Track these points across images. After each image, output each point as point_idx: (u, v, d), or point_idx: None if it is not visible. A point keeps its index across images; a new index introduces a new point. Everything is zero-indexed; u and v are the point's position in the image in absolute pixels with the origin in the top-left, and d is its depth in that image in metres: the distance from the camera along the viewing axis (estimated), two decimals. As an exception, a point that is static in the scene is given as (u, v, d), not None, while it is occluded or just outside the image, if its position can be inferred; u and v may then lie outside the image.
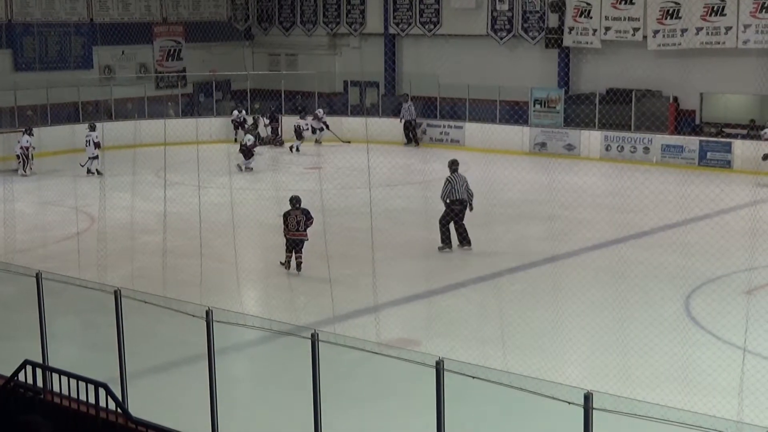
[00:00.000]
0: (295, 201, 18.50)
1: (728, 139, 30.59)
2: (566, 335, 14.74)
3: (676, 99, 32.85)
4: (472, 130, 34.85)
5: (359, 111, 38.32)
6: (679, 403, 9.66)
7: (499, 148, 32.51)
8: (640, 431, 7.77)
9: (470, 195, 19.83)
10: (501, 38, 36.70)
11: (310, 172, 28.84)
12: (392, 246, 19.85)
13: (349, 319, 15.33)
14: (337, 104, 38.70)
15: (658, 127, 31.89)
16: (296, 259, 18.23)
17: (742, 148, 29.84)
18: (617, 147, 32.12)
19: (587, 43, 34.29)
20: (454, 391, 8.25)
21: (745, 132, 31.16)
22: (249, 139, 30.37)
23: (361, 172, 26.01)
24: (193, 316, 9.93)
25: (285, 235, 18.38)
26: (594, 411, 7.44)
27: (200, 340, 9.81)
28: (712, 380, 12.45)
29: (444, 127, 35.90)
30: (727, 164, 30.00)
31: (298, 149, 33.81)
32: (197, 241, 18.45)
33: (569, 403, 7.47)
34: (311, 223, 18.31)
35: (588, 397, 7.44)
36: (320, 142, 35.12)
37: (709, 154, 30.44)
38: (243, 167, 30.07)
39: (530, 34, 35.97)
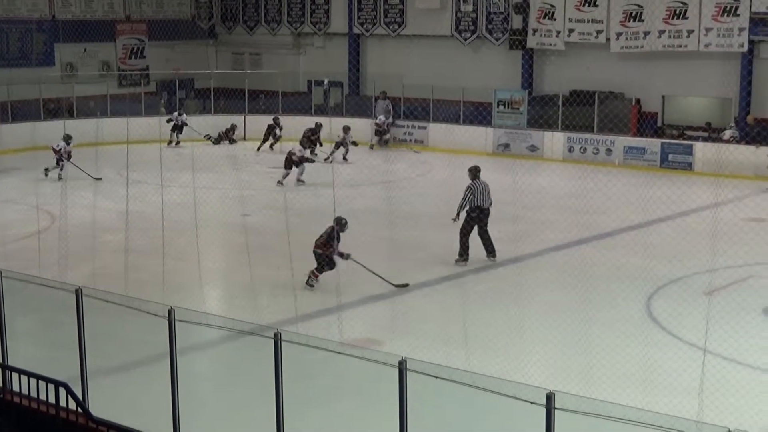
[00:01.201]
0: (339, 221, 17.27)
1: (690, 142, 30.83)
2: (529, 336, 14.80)
3: (638, 101, 33.08)
4: (436, 130, 34.90)
5: (323, 111, 38.26)
6: (641, 403, 9.71)
7: (463, 148, 32.56)
8: (601, 431, 7.81)
9: (491, 201, 18.96)
10: (465, 39, 36.79)
11: (273, 171, 28.74)
12: (356, 246, 19.82)
13: (312, 318, 15.31)
14: (300, 104, 38.60)
15: (621, 129, 32.09)
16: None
17: (704, 151, 30.09)
18: (580, 148, 32.28)
19: (551, 44, 34.44)
20: (416, 390, 8.26)
21: (706, 134, 31.42)
22: (299, 149, 28.04)
23: (326, 171, 25.99)
24: (155, 315, 9.87)
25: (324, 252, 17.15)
26: (556, 411, 7.47)
27: (162, 339, 9.76)
28: (672, 380, 12.53)
29: (408, 127, 35.91)
30: (688, 166, 30.22)
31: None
32: (160, 240, 18.36)
33: (531, 403, 7.49)
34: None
35: (550, 397, 7.47)
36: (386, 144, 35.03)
37: (670, 156, 30.66)
38: (297, 179, 27.35)
39: (494, 35, 36.09)
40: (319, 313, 15.66)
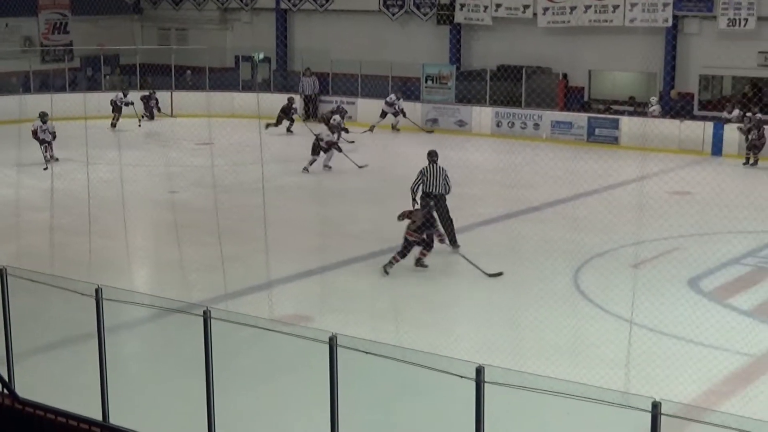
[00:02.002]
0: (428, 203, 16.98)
1: (616, 116, 31.17)
2: (458, 310, 14.90)
3: (565, 76, 33.35)
4: (365, 106, 34.84)
5: (251, 86, 37.99)
6: (569, 376, 9.82)
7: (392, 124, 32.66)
8: (531, 403, 7.89)
9: (447, 188, 17.90)
10: (393, 14, 36.74)
11: (201, 147, 28.50)
12: (285, 222, 19.76)
13: (242, 296, 15.23)
14: (228, 80, 38.29)
15: (548, 104, 32.34)
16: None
17: (629, 125, 30.44)
18: (508, 123, 32.46)
19: (478, 19, 34.56)
20: (347, 366, 8.26)
21: (632, 109, 31.80)
22: (327, 134, 26.08)
23: (253, 148, 25.82)
24: (82, 294, 9.74)
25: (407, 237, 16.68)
26: (486, 384, 7.52)
27: (90, 318, 9.63)
28: (600, 352, 12.69)
29: (336, 102, 35.81)
30: (614, 140, 30.56)
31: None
32: (86, 218, 18.12)
33: (461, 377, 7.53)
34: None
35: (479, 371, 7.51)
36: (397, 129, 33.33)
37: (597, 130, 30.97)
38: (324, 165, 25.92)
39: (422, 10, 36.09)
40: (249, 290, 15.60)
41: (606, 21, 31.88)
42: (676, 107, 30.87)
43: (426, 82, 34.89)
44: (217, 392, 9.04)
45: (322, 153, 25.79)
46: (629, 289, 14.33)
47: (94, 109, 32.86)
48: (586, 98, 33.33)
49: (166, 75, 37.06)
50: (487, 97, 33.02)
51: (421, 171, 17.96)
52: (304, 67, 36.37)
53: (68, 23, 40.68)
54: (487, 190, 23.22)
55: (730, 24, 30.52)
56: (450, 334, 13.50)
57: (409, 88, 34.48)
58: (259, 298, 15.07)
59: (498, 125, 32.63)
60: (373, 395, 10.76)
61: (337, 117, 28.53)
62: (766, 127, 26.06)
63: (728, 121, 29.33)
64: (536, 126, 31.97)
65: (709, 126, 29.23)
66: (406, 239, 16.49)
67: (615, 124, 30.74)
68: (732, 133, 28.74)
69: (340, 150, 25.85)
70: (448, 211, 17.79)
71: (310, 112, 35.36)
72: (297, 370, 11.65)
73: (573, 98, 33.05)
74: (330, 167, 25.88)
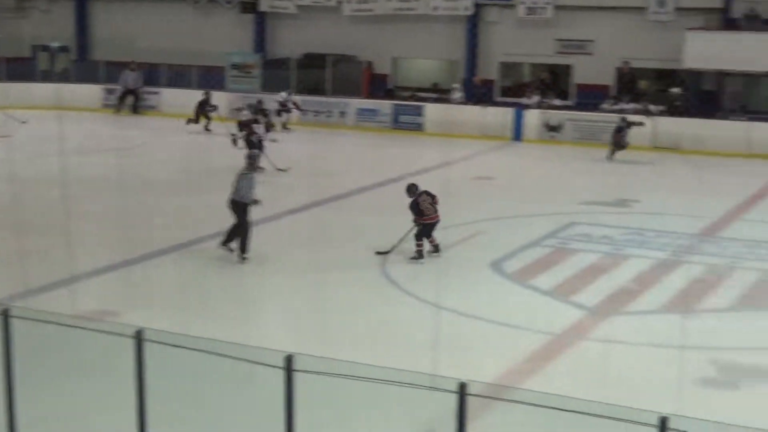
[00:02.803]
0: (414, 188, 16.86)
1: (420, 103, 31.65)
2: (269, 300, 14.84)
3: (370, 64, 33.65)
4: (168, 95, 34.28)
5: (49, 77, 36.79)
6: (378, 361, 9.89)
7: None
8: (343, 390, 7.92)
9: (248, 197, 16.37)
10: (196, 2, 36.25)
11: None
12: (88, 215, 19.24)
13: (43, 292, 14.73)
14: (25, 70, 36.97)
15: (354, 92, 32.57)
16: (432, 242, 16.63)
17: (433, 111, 30.98)
18: (314, 111, 32.51)
19: (283, 8, 34.48)
20: (156, 361, 8.11)
21: (435, 96, 32.36)
22: (262, 130, 24.60)
23: (53, 140, 25.04)
24: None
25: (419, 223, 16.55)
26: (296, 373, 7.52)
27: None
28: (408, 337, 12.84)
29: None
30: (419, 127, 31.03)
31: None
32: None
33: (273, 366, 7.50)
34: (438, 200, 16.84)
35: (290, 359, 7.50)
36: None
37: (401, 117, 31.38)
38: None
39: (226, -2, 35.76)
40: (50, 286, 15.09)
41: (410, 9, 32.35)
42: (479, 94, 31.63)
43: (231, 70, 34.58)
44: (19, 395, 8.73)
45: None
46: (435, 274, 14.57)
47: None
48: (390, 86, 33.73)
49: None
50: (294, 85, 32.96)
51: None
52: (132, 60, 35.19)
53: None
54: (294, 180, 23.19)
55: (529, 12, 31.45)
56: (260, 325, 13.45)
57: (213, 78, 34.10)
58: (61, 294, 14.62)
59: (304, 114, 32.62)
60: (183, 390, 10.60)
61: (246, 112, 27.37)
62: (635, 128, 26.36)
63: (528, 106, 30.22)
64: (342, 114, 32.18)
65: (511, 112, 30.05)
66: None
67: (419, 111, 31.23)
68: (532, 119, 29.64)
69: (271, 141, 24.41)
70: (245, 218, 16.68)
71: (131, 106, 34.49)
72: (104, 367, 11.37)
73: (378, 86, 33.39)
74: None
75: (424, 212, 16.50)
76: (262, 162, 21.66)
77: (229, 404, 10.73)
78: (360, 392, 8.54)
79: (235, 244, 16.33)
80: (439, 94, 32.46)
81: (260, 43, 35.61)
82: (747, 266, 16.53)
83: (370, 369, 7.58)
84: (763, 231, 18.70)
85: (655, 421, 7.06)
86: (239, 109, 28.00)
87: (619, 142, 25.60)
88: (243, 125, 24.59)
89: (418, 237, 16.47)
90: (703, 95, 29.81)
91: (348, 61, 33.74)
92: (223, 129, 27.48)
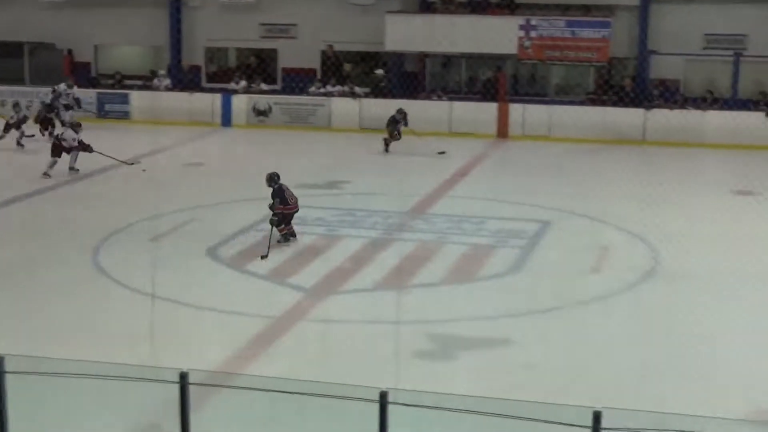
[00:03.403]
0: (276, 177, 16.66)
1: (126, 91, 30.91)
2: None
3: (70, 51, 32.57)
4: None
5: None
6: (95, 356, 9.58)
7: None
8: (58, 389, 7.62)
9: None
10: None
11: None
12: None
13: None
14: None
15: (55, 80, 31.35)
16: (291, 229, 16.74)
17: (140, 99, 30.30)
18: (12, 103, 31.05)
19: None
20: None
21: (141, 83, 31.69)
22: (72, 135, 22.04)
23: None
24: None
25: (283, 212, 16.41)
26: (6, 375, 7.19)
27: None
28: (125, 328, 12.51)
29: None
30: (125, 115, 30.31)
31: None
32: None
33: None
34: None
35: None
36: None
37: (107, 105, 30.54)
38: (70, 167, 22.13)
39: None
40: None
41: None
42: (185, 80, 31.28)
43: None
44: None
45: (65, 154, 22.11)
46: (150, 263, 14.29)
47: None
48: (93, 74, 32.77)
49: None
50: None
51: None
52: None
53: None
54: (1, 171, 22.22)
55: (231, -4, 31.39)
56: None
57: None
58: None
59: (2, 104, 31.13)
60: None
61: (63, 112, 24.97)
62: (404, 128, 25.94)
63: (235, 92, 30.15)
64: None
65: (218, 97, 29.88)
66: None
67: (125, 99, 30.50)
68: (240, 104, 29.60)
69: (90, 150, 22.14)
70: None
71: None
72: None
73: (80, 74, 32.32)
74: (77, 169, 22.25)
75: (287, 201, 16.50)
76: None
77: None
78: (76, 390, 8.25)
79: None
80: (144, 81, 31.82)
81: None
82: (455, 240, 17.19)
83: (86, 365, 7.35)
84: (467, 206, 19.49)
85: (375, 396, 7.21)
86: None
87: (392, 133, 25.50)
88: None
89: (279, 224, 16.42)
90: (406, 76, 30.70)
91: (46, 48, 32.48)
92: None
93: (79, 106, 28.27)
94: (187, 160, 22.95)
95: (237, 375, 10.63)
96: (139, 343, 11.74)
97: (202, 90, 31.19)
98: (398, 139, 25.33)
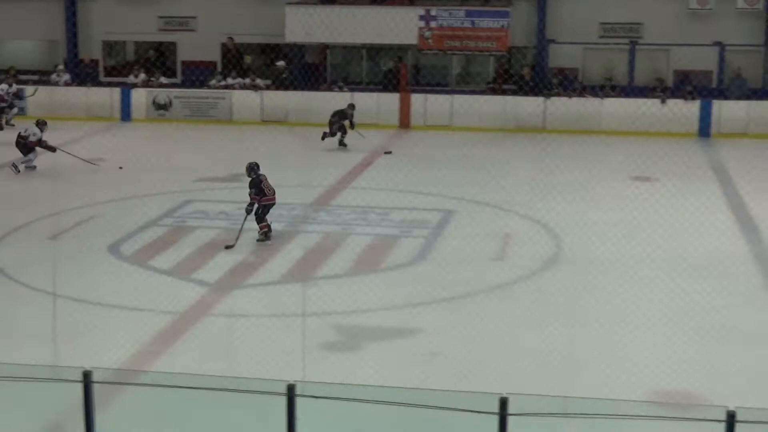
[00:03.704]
0: (256, 167, 16.65)
1: (22, 86, 30.23)
2: None
3: (-39, 47, 31.83)
4: None
5: None
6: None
7: None
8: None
9: None
10: None
11: None
12: None
13: None
14: None
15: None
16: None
17: (37, 94, 29.57)
18: None
19: None
20: None
21: (37, 77, 31.01)
22: (35, 133, 21.77)
23: None
24: None
25: (260, 203, 16.27)
26: None
27: None
28: (25, 329, 12.29)
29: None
30: (21, 111, 29.55)
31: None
32: None
33: None
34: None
35: None
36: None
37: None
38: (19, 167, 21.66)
39: None
40: None
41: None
42: (83, 74, 30.77)
43: None
44: None
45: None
46: (50, 262, 14.04)
47: None
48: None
49: None
50: None
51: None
52: None
53: None
54: None
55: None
56: None
57: None
58: None
59: None
60: None
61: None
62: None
63: (134, 85, 29.74)
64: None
65: (117, 92, 29.44)
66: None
67: (21, 95, 29.82)
68: (140, 98, 29.21)
69: (53, 149, 21.78)
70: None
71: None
72: None
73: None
74: (35, 167, 21.83)
75: (266, 192, 16.36)
76: None
77: None
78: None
79: None
80: (41, 76, 31.17)
81: None
82: (359, 231, 17.23)
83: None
84: (370, 197, 19.53)
85: (283, 389, 7.20)
86: None
87: (343, 127, 25.01)
88: None
89: (259, 219, 16.31)
90: (308, 68, 30.60)
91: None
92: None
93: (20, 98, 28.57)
94: (88, 155, 22.55)
95: (142, 372, 10.52)
96: (41, 343, 11.55)
97: (100, 84, 30.70)
98: (345, 134, 25.01)
